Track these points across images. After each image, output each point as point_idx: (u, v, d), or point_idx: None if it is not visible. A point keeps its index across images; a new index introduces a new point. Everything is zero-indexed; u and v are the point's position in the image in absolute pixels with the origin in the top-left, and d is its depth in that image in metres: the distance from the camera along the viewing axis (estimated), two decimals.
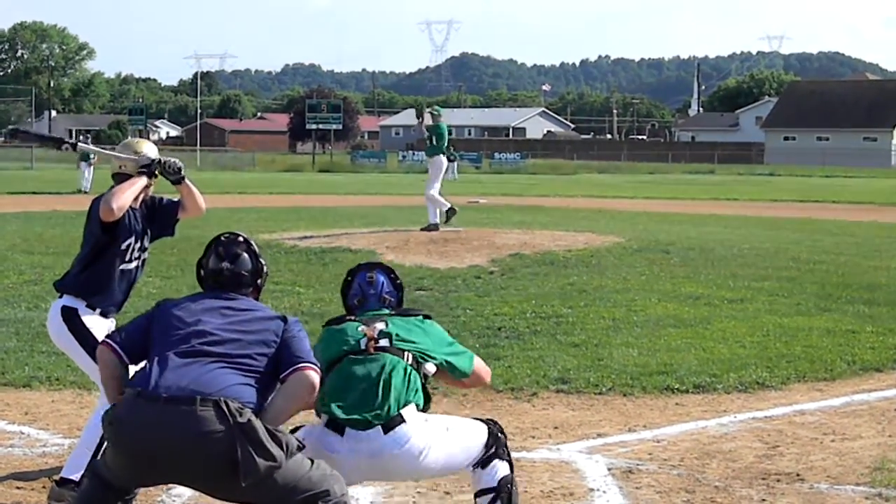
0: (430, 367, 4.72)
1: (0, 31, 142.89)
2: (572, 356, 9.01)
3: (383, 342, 4.69)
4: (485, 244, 16.57)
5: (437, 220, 17.78)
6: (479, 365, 4.99)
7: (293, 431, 4.61)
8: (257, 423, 4.01)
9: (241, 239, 4.84)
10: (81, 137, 6.76)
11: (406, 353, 4.66)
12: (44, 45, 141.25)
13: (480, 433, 4.72)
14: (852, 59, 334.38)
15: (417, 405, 4.53)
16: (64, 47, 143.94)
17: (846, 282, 13.51)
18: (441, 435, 4.54)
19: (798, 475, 5.99)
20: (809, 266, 14.98)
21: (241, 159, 77.30)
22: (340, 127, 77.85)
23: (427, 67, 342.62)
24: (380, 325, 4.77)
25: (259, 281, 4.81)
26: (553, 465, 6.17)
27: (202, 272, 4.78)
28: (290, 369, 4.29)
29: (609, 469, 6.09)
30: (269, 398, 4.27)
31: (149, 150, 5.79)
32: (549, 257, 15.09)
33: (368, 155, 79.06)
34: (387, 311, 4.96)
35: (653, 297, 12.00)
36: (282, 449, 4.02)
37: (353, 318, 4.90)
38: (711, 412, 7.41)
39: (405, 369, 4.58)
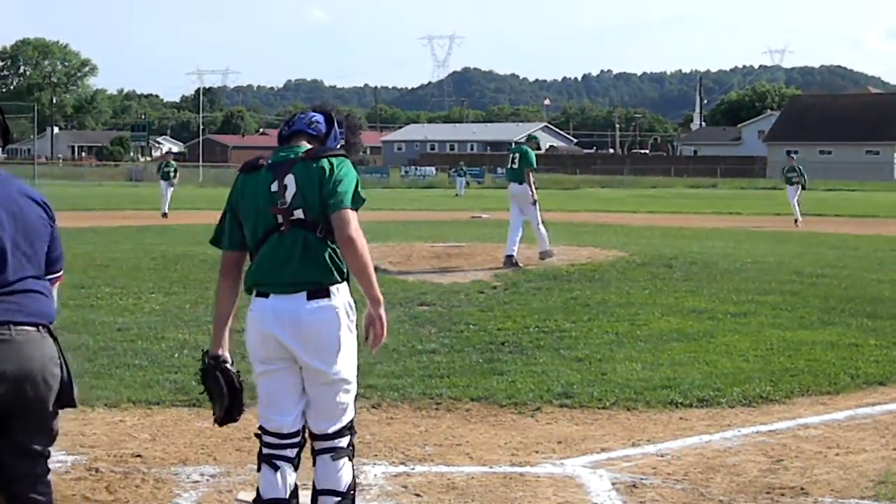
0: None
1: (3, 48, 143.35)
2: (576, 371, 9.00)
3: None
4: (488, 259, 16.58)
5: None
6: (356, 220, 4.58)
7: None
8: None
9: None
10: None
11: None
12: (46, 62, 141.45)
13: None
14: (854, 73, 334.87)
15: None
16: (66, 64, 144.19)
17: (849, 295, 13.49)
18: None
19: (802, 489, 5.98)
20: (812, 280, 14.97)
21: None
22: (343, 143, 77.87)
23: (429, 82, 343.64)
24: (289, 182, 4.59)
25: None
26: (557, 480, 6.16)
27: None
28: None
29: (613, 484, 6.08)
30: None
31: None
32: (552, 272, 15.10)
33: (371, 170, 79.10)
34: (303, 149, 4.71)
35: (656, 312, 11.99)
36: None
37: (265, 162, 4.70)
38: (715, 426, 7.40)
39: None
